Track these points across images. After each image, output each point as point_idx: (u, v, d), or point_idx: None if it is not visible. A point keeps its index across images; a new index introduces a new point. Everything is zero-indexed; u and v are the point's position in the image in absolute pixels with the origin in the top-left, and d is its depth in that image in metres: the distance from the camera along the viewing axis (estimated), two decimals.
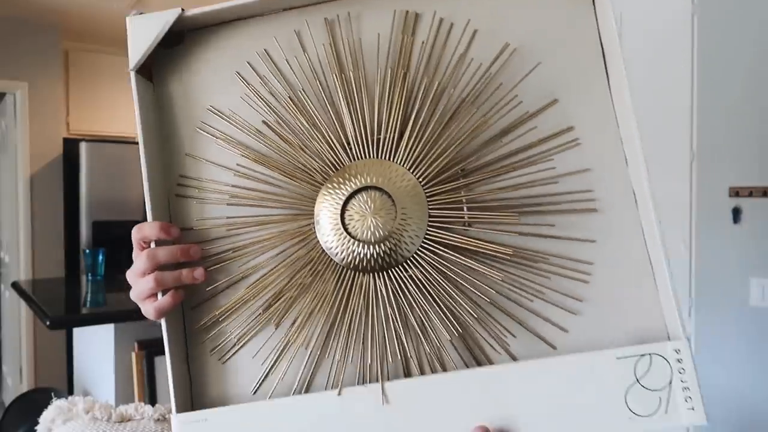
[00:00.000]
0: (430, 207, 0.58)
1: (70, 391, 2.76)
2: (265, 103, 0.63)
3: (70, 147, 3.89)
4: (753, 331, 2.18)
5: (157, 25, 0.60)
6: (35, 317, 3.36)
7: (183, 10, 0.61)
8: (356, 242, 0.58)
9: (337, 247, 0.59)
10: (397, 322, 0.58)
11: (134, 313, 2.10)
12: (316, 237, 0.60)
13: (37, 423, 1.40)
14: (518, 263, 0.58)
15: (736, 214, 2.21)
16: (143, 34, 0.61)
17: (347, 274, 0.59)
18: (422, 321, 0.58)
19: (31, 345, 3.84)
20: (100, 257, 2.75)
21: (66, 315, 2.20)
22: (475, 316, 0.58)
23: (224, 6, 0.61)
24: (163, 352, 0.55)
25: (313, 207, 0.60)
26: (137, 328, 2.08)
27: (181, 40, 0.64)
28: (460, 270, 0.58)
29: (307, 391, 0.59)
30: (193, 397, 0.61)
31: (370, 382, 0.58)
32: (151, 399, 2.03)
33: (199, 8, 0.61)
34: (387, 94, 0.60)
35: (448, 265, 0.58)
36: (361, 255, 0.58)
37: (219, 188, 0.63)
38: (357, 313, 0.59)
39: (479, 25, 0.61)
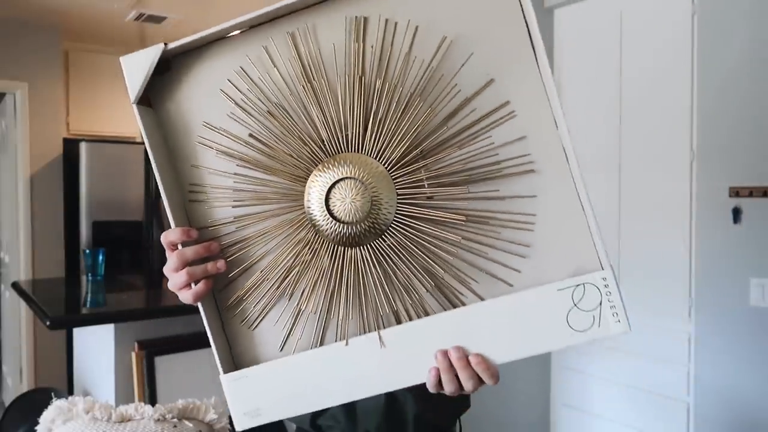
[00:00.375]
0: (398, 187, 0.71)
1: (70, 391, 2.76)
2: (248, 114, 0.73)
3: (70, 147, 3.90)
4: (753, 331, 2.18)
5: (146, 60, 0.71)
6: (35, 317, 3.36)
7: (165, 44, 0.71)
8: (341, 224, 0.71)
9: (327, 229, 0.71)
10: (384, 283, 0.72)
11: (134, 313, 2.11)
12: (309, 223, 0.72)
13: (37, 423, 1.40)
14: (474, 224, 0.71)
15: (736, 214, 2.21)
16: (136, 69, 0.71)
17: (339, 250, 0.72)
18: (404, 279, 0.72)
19: (31, 345, 3.84)
20: (100, 257, 2.75)
21: (66, 315, 2.20)
22: (444, 270, 0.71)
23: (197, 36, 0.71)
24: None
25: (303, 199, 0.72)
26: (137, 328, 2.08)
27: (168, 68, 0.74)
28: (428, 236, 0.71)
29: (320, 345, 0.73)
30: (234, 359, 0.76)
31: (369, 333, 0.72)
32: (151, 399, 2.03)
33: (178, 41, 0.71)
34: (348, 96, 0.71)
35: (418, 233, 0.71)
36: (347, 233, 0.71)
37: (223, 192, 0.74)
38: (351, 279, 0.72)
39: (419, 22, 0.70)
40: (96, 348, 2.29)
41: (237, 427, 0.74)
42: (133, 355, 2.04)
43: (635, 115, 2.57)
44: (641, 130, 2.55)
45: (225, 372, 0.74)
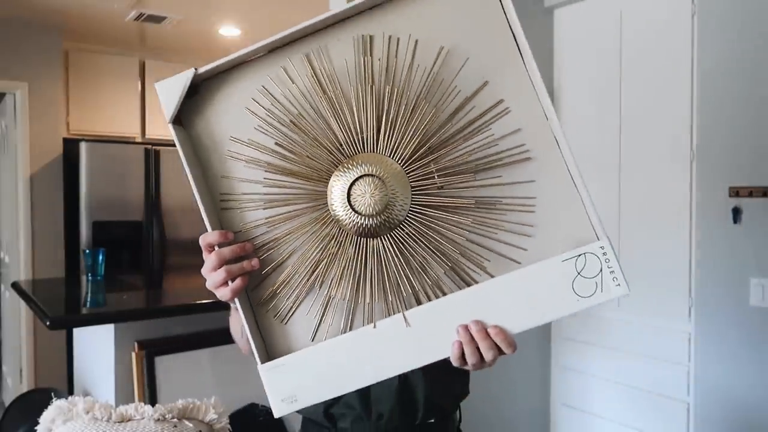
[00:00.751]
0: (411, 180, 0.78)
1: (70, 391, 2.76)
2: (272, 126, 0.81)
3: (70, 147, 3.89)
4: (753, 331, 2.18)
5: (178, 85, 0.79)
6: (35, 317, 3.36)
7: (196, 69, 0.80)
8: (363, 216, 0.78)
9: (350, 223, 0.78)
10: (404, 268, 0.78)
11: (134, 313, 2.11)
12: (333, 219, 0.79)
13: (37, 423, 1.40)
14: (482, 209, 0.78)
15: (736, 214, 2.21)
16: (169, 93, 0.80)
17: (361, 241, 0.79)
18: (421, 263, 0.79)
19: (31, 345, 3.84)
20: (100, 257, 2.75)
21: (66, 315, 2.20)
22: (458, 252, 0.78)
23: (223, 61, 0.80)
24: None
25: (326, 198, 0.79)
26: (137, 328, 2.08)
27: (197, 91, 0.83)
28: (441, 222, 0.78)
29: (350, 330, 0.79)
30: (268, 350, 0.81)
31: (394, 315, 0.78)
32: (151, 399, 2.03)
33: (207, 66, 0.80)
34: (361, 103, 0.79)
35: (432, 220, 0.78)
36: (368, 225, 0.78)
37: (252, 198, 0.81)
38: (374, 267, 0.79)
39: (419, 37, 0.79)
40: (96, 348, 2.30)
41: (275, 414, 0.79)
42: (133, 355, 2.04)
43: (635, 115, 2.57)
44: (641, 130, 2.55)
45: (262, 362, 0.79)
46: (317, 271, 0.80)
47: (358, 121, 0.79)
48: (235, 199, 0.82)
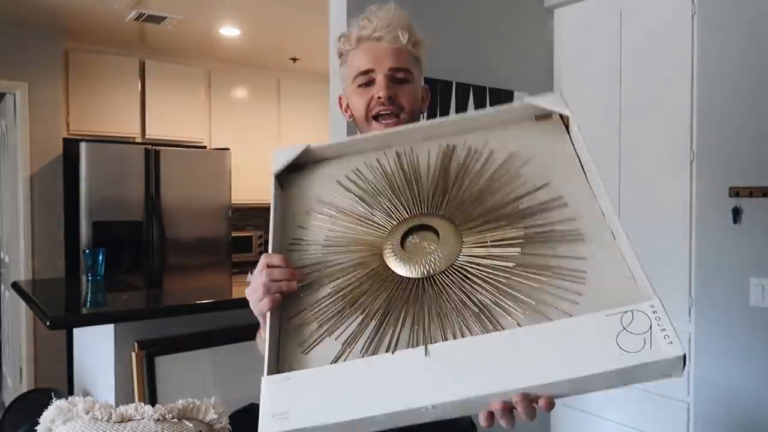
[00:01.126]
0: (464, 239, 0.83)
1: (70, 391, 2.76)
2: (355, 199, 0.93)
3: (70, 147, 3.89)
4: (753, 331, 2.18)
5: (291, 154, 0.96)
6: (35, 317, 3.36)
7: (309, 145, 0.97)
8: (410, 259, 0.83)
9: (399, 267, 0.83)
10: (440, 307, 0.78)
11: (134, 313, 2.11)
12: (381, 259, 0.85)
13: (37, 423, 1.41)
14: (528, 271, 0.78)
15: (736, 214, 2.21)
16: (282, 158, 0.96)
17: (403, 280, 0.82)
18: (456, 306, 0.77)
19: (31, 345, 3.84)
20: (100, 257, 2.75)
21: (66, 315, 2.20)
22: (497, 298, 0.77)
23: (335, 144, 0.98)
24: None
25: (383, 242, 0.86)
26: (137, 328, 2.08)
27: (305, 160, 0.98)
28: (484, 267, 0.80)
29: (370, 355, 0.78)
30: (279, 366, 0.79)
31: (417, 347, 0.75)
32: (151, 399, 2.03)
33: (318, 144, 0.98)
34: (432, 183, 0.91)
35: (476, 267, 0.80)
36: (415, 267, 0.82)
37: (314, 246, 0.90)
38: (412, 303, 0.79)
39: (493, 146, 0.92)
40: (96, 348, 2.29)
41: (260, 429, 0.71)
42: (133, 355, 2.04)
43: (635, 115, 2.57)
44: (641, 130, 2.55)
45: (269, 374, 0.76)
46: (351, 297, 0.82)
47: (426, 193, 0.89)
48: (300, 244, 0.91)
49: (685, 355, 0.66)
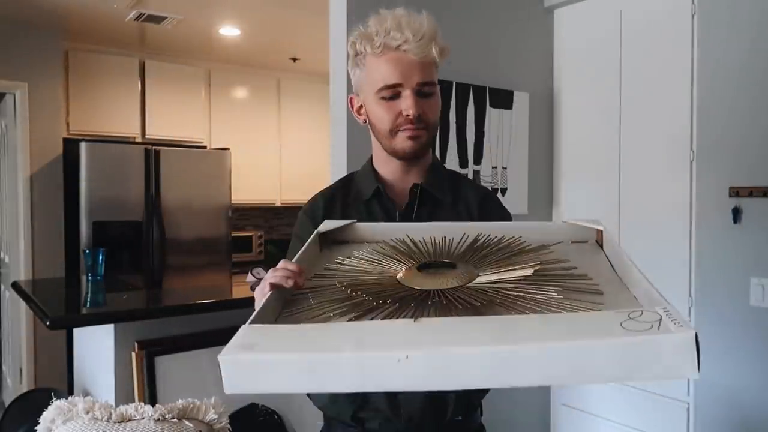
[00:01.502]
0: (480, 273, 0.83)
1: (70, 391, 2.76)
2: (382, 250, 0.97)
3: (70, 147, 3.89)
4: (753, 331, 2.18)
5: (336, 224, 1.04)
6: (35, 317, 3.36)
7: (355, 221, 1.06)
8: (424, 278, 0.83)
9: (411, 282, 0.83)
10: (438, 305, 0.76)
11: (134, 313, 2.11)
12: (398, 281, 0.84)
13: (37, 423, 1.41)
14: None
15: (736, 214, 2.21)
16: (331, 224, 1.04)
17: (415, 290, 0.81)
18: (459, 305, 0.75)
19: (31, 345, 3.84)
20: (100, 257, 2.75)
21: (66, 315, 2.20)
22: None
23: (377, 227, 1.06)
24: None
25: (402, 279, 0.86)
26: (137, 328, 2.08)
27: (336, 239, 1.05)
28: (493, 291, 0.79)
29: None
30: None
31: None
32: (151, 399, 2.03)
33: (362, 224, 1.06)
34: (459, 250, 0.95)
35: (481, 293, 0.78)
36: (427, 284, 0.82)
37: (334, 272, 0.93)
38: (412, 298, 0.78)
39: (529, 241, 0.95)
40: (96, 348, 2.29)
41: (220, 356, 0.62)
42: (133, 355, 2.04)
43: (635, 115, 2.57)
44: (641, 130, 2.55)
45: (250, 323, 0.70)
46: (355, 285, 0.83)
47: (451, 254, 0.93)
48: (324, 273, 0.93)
49: (698, 342, 0.55)
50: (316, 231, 1.01)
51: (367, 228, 1.05)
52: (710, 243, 2.30)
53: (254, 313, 0.72)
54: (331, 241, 1.04)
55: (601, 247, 0.96)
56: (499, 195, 2.62)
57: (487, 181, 2.62)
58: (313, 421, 1.35)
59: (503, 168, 2.70)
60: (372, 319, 0.72)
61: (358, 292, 0.80)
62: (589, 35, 2.75)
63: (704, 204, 2.32)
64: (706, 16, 2.32)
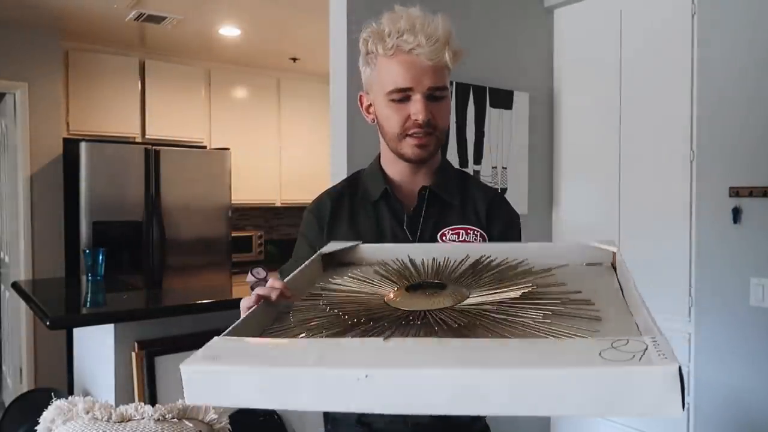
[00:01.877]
0: (471, 294, 0.80)
1: (70, 391, 2.76)
2: (379, 270, 0.95)
3: (70, 147, 3.89)
4: (753, 331, 2.18)
5: (341, 245, 1.04)
6: (35, 317, 3.36)
7: (360, 242, 1.06)
8: (411, 300, 0.81)
9: (398, 304, 0.80)
10: (420, 326, 0.72)
11: (134, 313, 2.11)
12: (386, 301, 0.82)
13: (37, 423, 1.40)
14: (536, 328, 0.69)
15: (736, 214, 2.21)
16: (338, 245, 1.05)
17: (400, 311, 0.78)
18: (443, 326, 0.71)
19: (31, 345, 3.84)
20: (100, 257, 2.75)
21: (66, 315, 2.20)
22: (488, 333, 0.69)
23: (386, 248, 1.05)
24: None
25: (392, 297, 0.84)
26: (137, 328, 2.08)
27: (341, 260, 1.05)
28: (483, 313, 0.74)
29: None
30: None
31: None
32: (151, 399, 2.03)
33: (368, 245, 1.06)
34: (457, 270, 0.92)
35: (471, 314, 0.74)
36: (413, 305, 0.79)
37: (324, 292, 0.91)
38: (394, 317, 0.76)
39: (533, 263, 0.92)
40: (96, 348, 2.30)
41: (182, 365, 0.60)
42: (133, 355, 2.04)
43: (635, 115, 2.57)
44: (641, 130, 2.55)
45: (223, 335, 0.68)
46: (337, 304, 0.82)
47: (448, 275, 0.90)
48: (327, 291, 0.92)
49: (682, 377, 0.50)
50: (318, 252, 1.00)
51: (371, 249, 1.04)
52: (710, 243, 2.30)
53: (232, 326, 0.71)
54: (337, 262, 1.03)
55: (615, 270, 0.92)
56: None
57: (487, 181, 2.62)
58: (314, 422, 1.35)
59: (503, 168, 2.70)
60: (346, 337, 0.70)
61: (336, 311, 0.78)
62: (589, 35, 2.75)
63: (704, 204, 2.31)
64: (706, 16, 2.32)
